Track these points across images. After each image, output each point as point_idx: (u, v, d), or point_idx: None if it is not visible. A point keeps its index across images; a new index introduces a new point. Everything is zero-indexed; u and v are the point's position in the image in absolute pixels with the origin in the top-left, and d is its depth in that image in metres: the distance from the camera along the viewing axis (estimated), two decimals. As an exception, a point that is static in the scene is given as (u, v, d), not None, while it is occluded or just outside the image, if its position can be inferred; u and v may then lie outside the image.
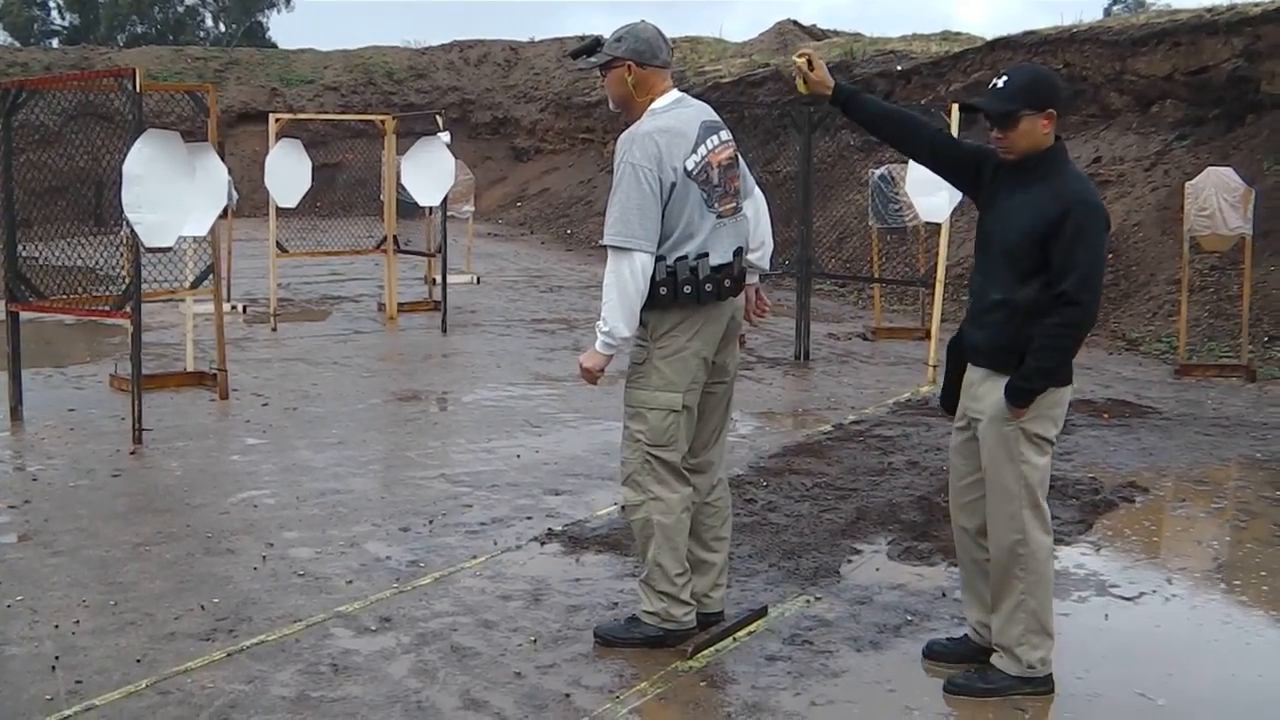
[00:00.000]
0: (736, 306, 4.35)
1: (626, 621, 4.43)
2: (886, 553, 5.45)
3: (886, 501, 6.21)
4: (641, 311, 4.15)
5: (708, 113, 4.31)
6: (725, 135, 4.29)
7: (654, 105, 4.23)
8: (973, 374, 4.05)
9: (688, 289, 4.12)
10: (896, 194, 11.02)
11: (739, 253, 4.28)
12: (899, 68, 19.77)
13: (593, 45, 4.32)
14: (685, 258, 4.12)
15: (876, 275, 12.52)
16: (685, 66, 24.64)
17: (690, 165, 4.13)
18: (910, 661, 4.29)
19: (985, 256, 4.02)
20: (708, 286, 4.15)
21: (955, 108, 8.99)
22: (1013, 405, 3.84)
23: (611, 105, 4.41)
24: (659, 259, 4.10)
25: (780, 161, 16.93)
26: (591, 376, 4.23)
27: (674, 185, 4.09)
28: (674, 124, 4.16)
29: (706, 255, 4.14)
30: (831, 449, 7.36)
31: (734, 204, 4.29)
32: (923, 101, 17.16)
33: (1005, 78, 3.90)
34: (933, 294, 9.96)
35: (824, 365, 10.51)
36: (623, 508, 4.74)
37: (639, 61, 4.21)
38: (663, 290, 4.12)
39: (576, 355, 4.29)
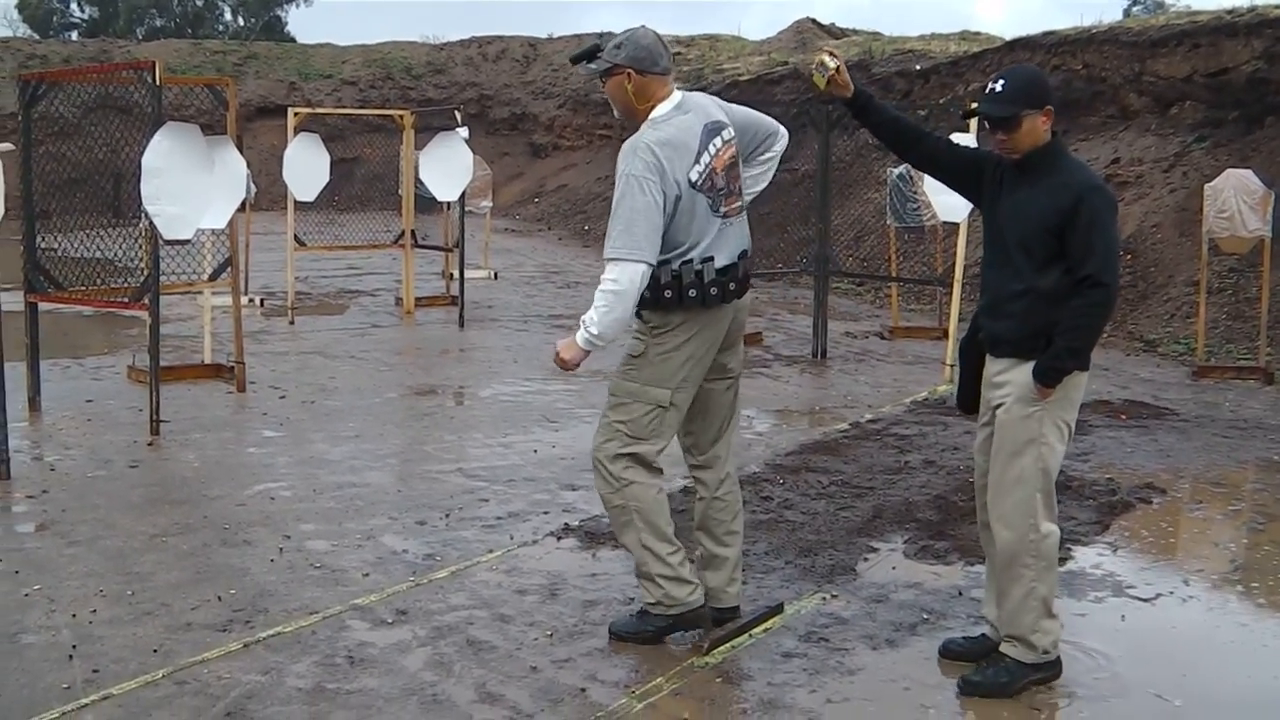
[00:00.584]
0: (740, 308, 4.31)
1: (635, 616, 4.43)
2: (903, 551, 5.45)
3: (903, 500, 6.20)
4: (644, 310, 4.13)
5: (710, 112, 4.21)
6: (728, 134, 4.21)
7: (654, 114, 4.14)
8: (994, 366, 4.06)
9: (693, 292, 4.10)
10: (915, 192, 11.00)
11: (743, 255, 4.25)
12: (917, 67, 19.73)
13: (592, 51, 4.22)
14: (690, 261, 4.09)
15: (894, 274, 12.50)
16: (704, 64, 24.63)
17: (694, 177, 4.08)
18: (926, 660, 4.28)
19: (998, 251, 4.04)
20: (713, 290, 4.12)
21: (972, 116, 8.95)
22: (1042, 385, 3.87)
23: (615, 112, 4.38)
24: (665, 262, 4.07)
25: (798, 160, 16.84)
26: (566, 367, 4.19)
27: (678, 198, 4.04)
28: (675, 135, 4.08)
29: (712, 259, 4.12)
30: (848, 447, 7.35)
31: (738, 202, 4.25)
32: (941, 101, 17.12)
33: (1002, 81, 3.97)
34: (950, 293, 9.93)
35: (841, 364, 10.49)
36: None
37: (638, 69, 4.12)
38: (667, 293, 4.08)
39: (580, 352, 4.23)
